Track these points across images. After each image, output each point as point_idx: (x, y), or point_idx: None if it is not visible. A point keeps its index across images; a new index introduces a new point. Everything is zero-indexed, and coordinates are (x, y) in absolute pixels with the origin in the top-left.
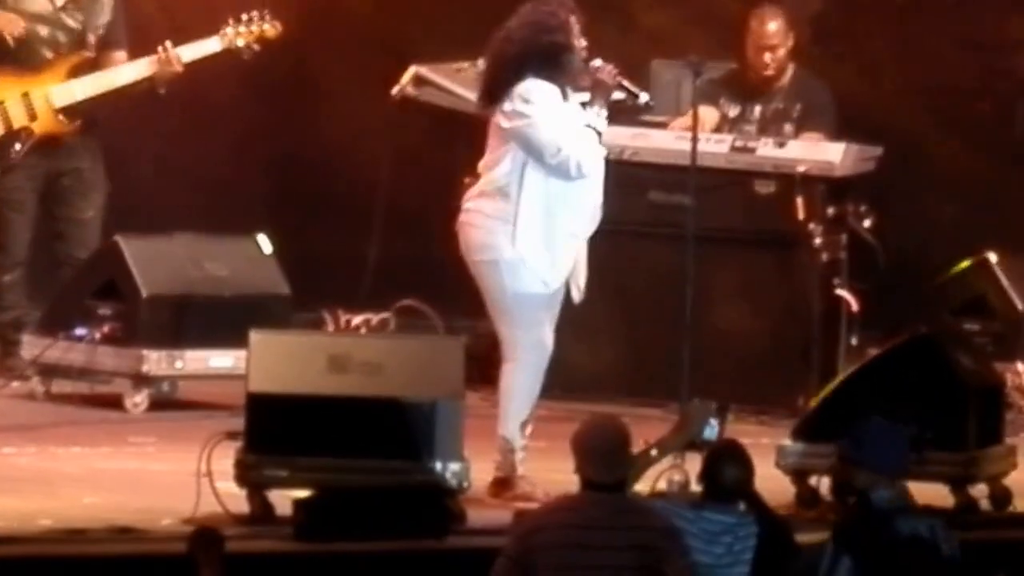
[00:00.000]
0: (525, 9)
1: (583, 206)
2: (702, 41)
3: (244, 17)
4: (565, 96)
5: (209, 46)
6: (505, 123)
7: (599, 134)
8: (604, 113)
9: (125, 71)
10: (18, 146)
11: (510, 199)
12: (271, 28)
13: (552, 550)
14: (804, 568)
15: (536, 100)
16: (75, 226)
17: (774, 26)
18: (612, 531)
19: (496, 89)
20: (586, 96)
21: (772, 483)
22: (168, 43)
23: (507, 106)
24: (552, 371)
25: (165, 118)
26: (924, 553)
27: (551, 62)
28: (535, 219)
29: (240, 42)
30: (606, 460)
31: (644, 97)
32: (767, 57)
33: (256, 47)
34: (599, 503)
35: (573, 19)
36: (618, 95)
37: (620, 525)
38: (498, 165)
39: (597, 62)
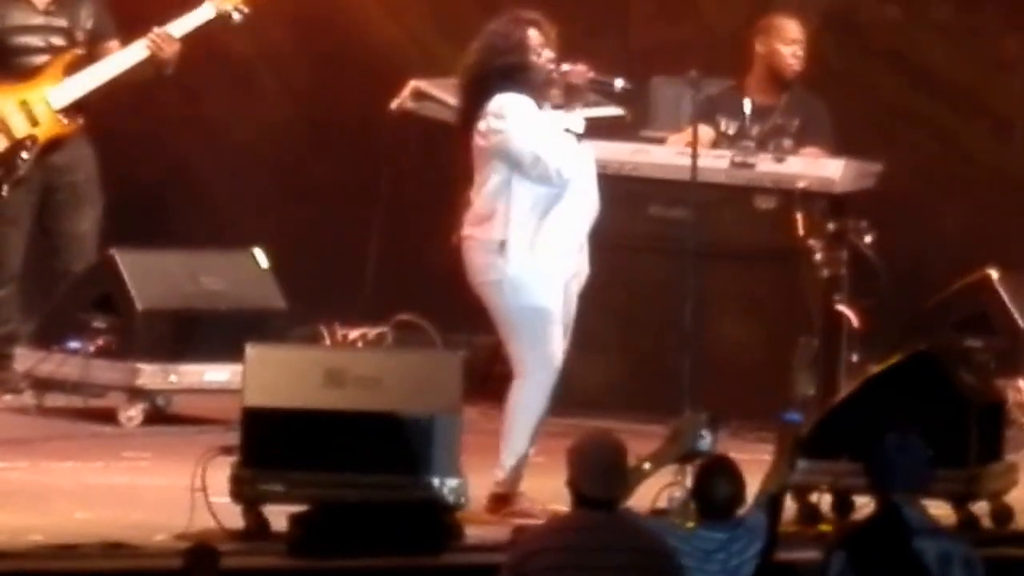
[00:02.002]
0: (484, 31)
1: (577, 213)
2: (700, 59)
3: None
4: (539, 106)
5: (201, 15)
6: (483, 142)
7: (579, 136)
8: (581, 114)
9: (120, 59)
10: (25, 155)
11: (500, 217)
12: None
13: (549, 574)
14: None
15: (508, 113)
16: (70, 240)
17: (795, 24)
18: (610, 552)
19: (467, 113)
20: (560, 104)
21: None
22: (156, 28)
23: (483, 125)
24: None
25: (162, 130)
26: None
27: (509, 81)
28: (526, 234)
29: (228, 6)
30: (603, 476)
31: (619, 83)
32: (798, 50)
33: (245, 9)
34: (595, 523)
35: (532, 33)
36: (595, 102)
37: (617, 546)
38: (484, 186)
39: (566, 66)
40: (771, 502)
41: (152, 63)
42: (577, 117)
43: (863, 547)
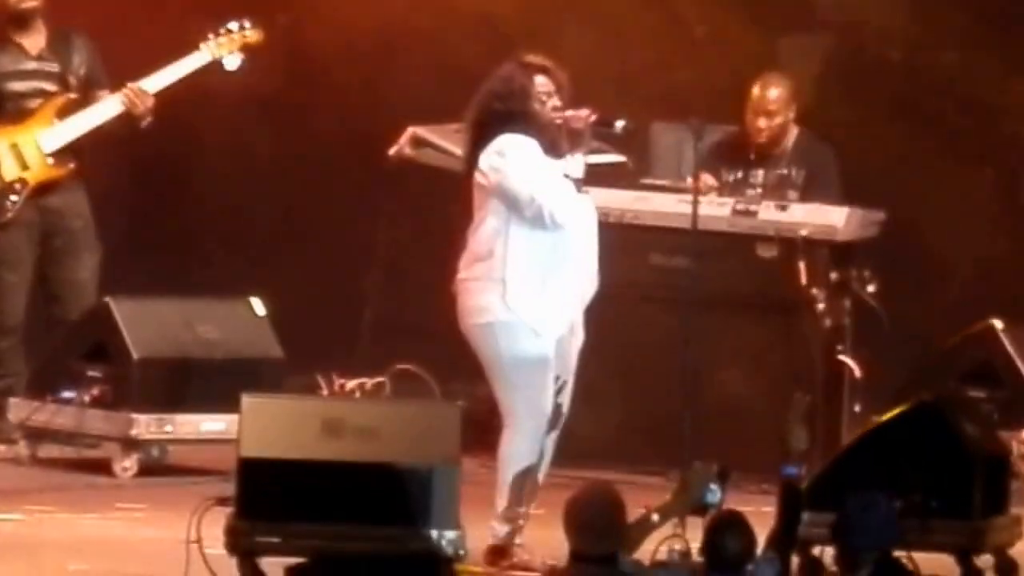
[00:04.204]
0: (492, 74)
1: (574, 260)
2: (701, 105)
3: (223, 28)
4: (545, 151)
5: (191, 63)
6: (483, 180)
7: (579, 182)
8: (581, 160)
9: (100, 109)
10: (14, 198)
11: (497, 258)
12: (253, 35)
13: None
14: None
15: (510, 153)
16: (69, 288)
17: (775, 93)
18: None
19: (469, 156)
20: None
21: None
22: (130, 84)
23: (484, 163)
24: None
25: (156, 178)
26: None
27: (509, 126)
28: (525, 275)
29: (223, 52)
30: (594, 531)
31: (620, 124)
32: (762, 122)
33: (241, 55)
34: None
35: (539, 79)
36: (597, 149)
37: None
38: (482, 225)
39: (568, 112)
40: (779, 559)
41: (126, 117)
42: (577, 163)
43: None
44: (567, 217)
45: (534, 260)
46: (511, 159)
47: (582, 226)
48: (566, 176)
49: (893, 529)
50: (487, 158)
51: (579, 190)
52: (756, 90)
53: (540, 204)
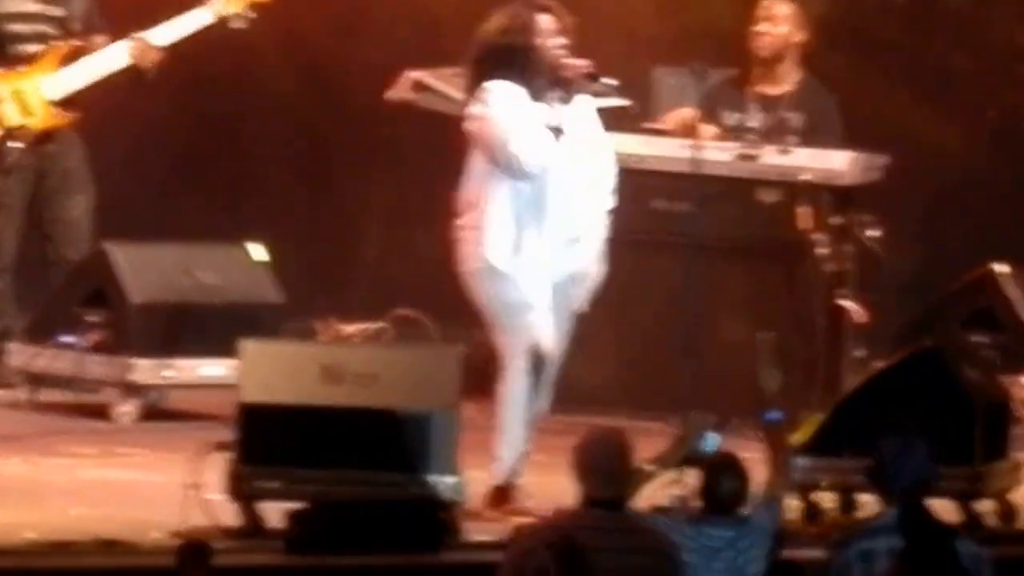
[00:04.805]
0: (497, 11)
1: (559, 208)
2: (704, 49)
3: None
4: (534, 97)
5: (195, 20)
6: (468, 126)
7: (559, 132)
8: (569, 110)
9: (107, 58)
10: (16, 144)
11: (480, 205)
12: None
13: (549, 573)
14: None
15: (492, 100)
16: (63, 226)
17: (784, 7)
18: (611, 553)
19: (471, 93)
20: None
21: None
22: (138, 33)
23: (470, 109)
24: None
25: (155, 125)
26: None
27: (509, 63)
28: (502, 224)
29: (231, 10)
30: (605, 475)
31: (606, 81)
32: (764, 27)
33: (250, 14)
34: (599, 523)
35: (544, 18)
36: (601, 92)
37: (620, 547)
38: (470, 172)
39: (567, 60)
40: (775, 502)
41: (132, 70)
42: (563, 113)
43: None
44: (536, 165)
45: (513, 209)
46: (492, 105)
47: (565, 176)
48: (548, 126)
49: (928, 470)
50: (473, 105)
51: (557, 139)
52: (765, 1)
53: (510, 151)
